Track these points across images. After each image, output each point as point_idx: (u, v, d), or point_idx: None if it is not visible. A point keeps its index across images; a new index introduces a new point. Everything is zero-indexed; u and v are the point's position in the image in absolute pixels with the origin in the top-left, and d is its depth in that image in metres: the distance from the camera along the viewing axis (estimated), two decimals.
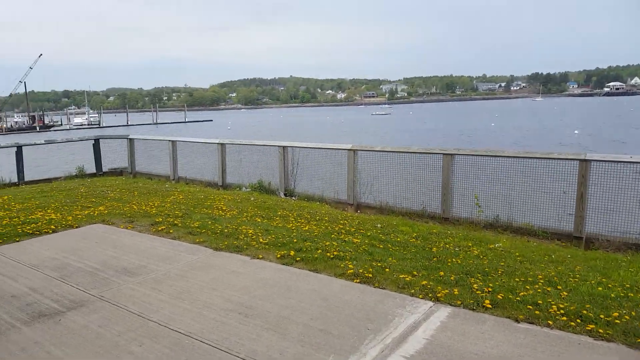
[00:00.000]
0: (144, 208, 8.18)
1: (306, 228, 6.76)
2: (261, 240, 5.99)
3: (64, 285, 4.66)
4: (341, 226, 6.98)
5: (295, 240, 5.95)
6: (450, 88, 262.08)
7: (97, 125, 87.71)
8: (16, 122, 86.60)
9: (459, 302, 4.12)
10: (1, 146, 14.35)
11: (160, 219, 7.19)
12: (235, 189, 11.34)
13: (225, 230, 6.45)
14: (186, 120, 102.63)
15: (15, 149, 12.91)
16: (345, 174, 9.78)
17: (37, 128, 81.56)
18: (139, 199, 9.15)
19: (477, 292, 4.31)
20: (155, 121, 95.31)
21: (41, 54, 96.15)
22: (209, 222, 6.96)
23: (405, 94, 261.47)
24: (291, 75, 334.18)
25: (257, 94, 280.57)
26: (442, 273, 4.79)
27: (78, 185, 11.50)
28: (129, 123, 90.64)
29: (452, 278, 4.66)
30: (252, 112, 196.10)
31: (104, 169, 14.53)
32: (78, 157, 17.01)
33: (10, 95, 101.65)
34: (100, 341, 3.54)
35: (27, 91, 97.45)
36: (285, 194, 10.64)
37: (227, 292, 4.43)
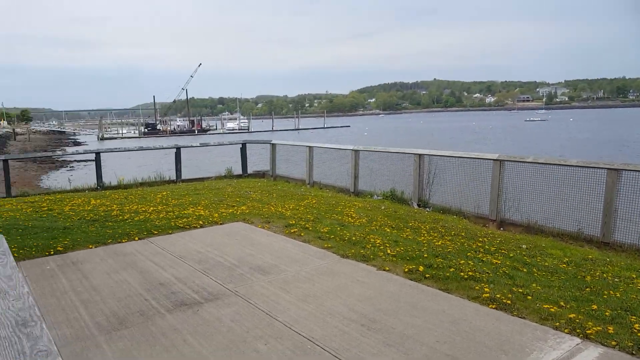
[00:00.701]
0: (280, 210, 8.58)
1: (439, 243, 6.43)
2: (389, 251, 5.84)
3: (205, 278, 5.06)
4: (479, 244, 6.51)
5: (425, 255, 5.69)
6: (621, 92, 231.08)
7: (247, 130, 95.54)
8: (178, 125, 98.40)
9: (613, 343, 3.52)
10: (163, 147, 16.39)
11: (294, 222, 7.46)
12: (366, 197, 11.34)
13: (353, 238, 6.43)
14: (325, 126, 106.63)
15: (175, 150, 14.59)
16: (488, 187, 9.13)
17: (196, 131, 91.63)
18: (276, 201, 9.64)
19: (639, 333, 3.64)
20: (296, 127, 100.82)
21: (200, 64, 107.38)
22: (338, 228, 7.02)
23: (566, 99, 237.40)
24: (435, 79, 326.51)
25: (396, 98, 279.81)
26: (595, 306, 4.15)
27: (226, 185, 12.53)
28: (274, 128, 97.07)
29: (607, 313, 4.01)
30: (390, 118, 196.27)
31: (249, 171, 15.68)
32: (227, 159, 18.66)
33: (174, 101, 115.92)
34: (231, 335, 3.74)
35: (188, 98, 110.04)
36: (418, 205, 10.33)
37: (350, 300, 4.38)
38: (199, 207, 9.00)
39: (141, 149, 16.20)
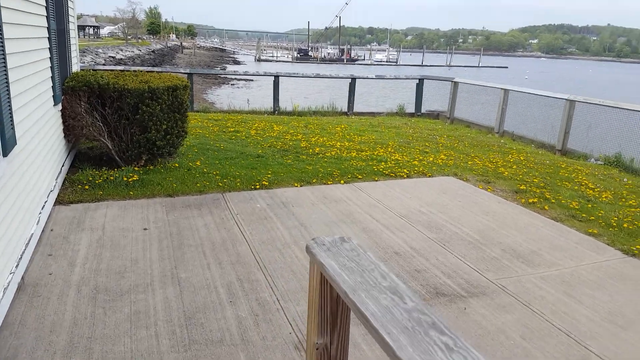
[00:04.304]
0: (488, 165, 7.21)
1: None
2: None
3: (448, 254, 4.04)
4: None
5: None
6: None
7: (395, 63, 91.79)
8: (328, 53, 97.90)
9: None
10: (340, 77, 15.57)
11: (523, 187, 6.06)
12: (579, 159, 9.33)
13: (624, 225, 4.87)
14: (480, 65, 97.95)
15: (349, 80, 13.66)
16: None
17: (345, 60, 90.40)
18: (476, 152, 8.26)
19: None
20: (448, 63, 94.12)
21: None
22: (588, 205, 5.48)
23: None
24: (609, 24, 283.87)
25: (562, 42, 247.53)
26: None
27: (402, 124, 11.40)
28: (423, 63, 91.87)
29: None
30: (552, 62, 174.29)
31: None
32: (395, 94, 17.36)
33: (326, 28, 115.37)
34: None
35: (340, 26, 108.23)
36: None
37: None
38: (389, 149, 8.04)
39: (317, 76, 15.59)
